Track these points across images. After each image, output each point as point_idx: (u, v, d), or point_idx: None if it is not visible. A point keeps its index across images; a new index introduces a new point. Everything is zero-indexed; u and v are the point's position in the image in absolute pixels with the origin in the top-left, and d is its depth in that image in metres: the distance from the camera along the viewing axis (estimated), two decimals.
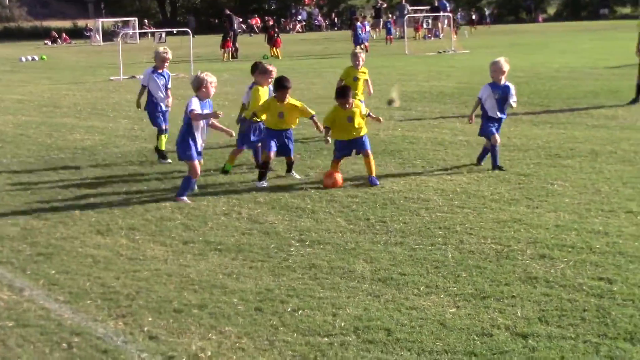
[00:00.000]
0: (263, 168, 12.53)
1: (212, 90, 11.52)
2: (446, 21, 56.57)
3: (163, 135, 14.46)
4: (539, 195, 10.93)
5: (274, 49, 45.60)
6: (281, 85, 12.46)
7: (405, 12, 56.65)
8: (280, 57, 43.49)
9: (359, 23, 47.05)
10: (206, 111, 11.31)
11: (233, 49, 45.58)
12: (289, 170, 13.00)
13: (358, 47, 37.49)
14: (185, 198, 11.26)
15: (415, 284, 7.70)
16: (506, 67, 12.71)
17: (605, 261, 8.17)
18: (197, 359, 6.19)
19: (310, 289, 7.67)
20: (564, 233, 9.20)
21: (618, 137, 15.32)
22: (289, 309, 7.13)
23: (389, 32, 53.96)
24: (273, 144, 12.41)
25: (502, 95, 12.72)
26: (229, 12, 52.11)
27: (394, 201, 10.94)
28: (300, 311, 7.07)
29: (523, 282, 7.64)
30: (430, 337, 6.43)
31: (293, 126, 12.88)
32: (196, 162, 11.33)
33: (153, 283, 7.95)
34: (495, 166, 12.73)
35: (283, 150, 12.65)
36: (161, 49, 15.03)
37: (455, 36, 49.51)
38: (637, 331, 6.37)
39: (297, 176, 12.86)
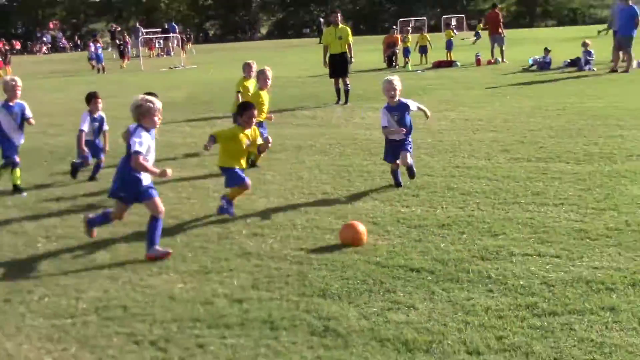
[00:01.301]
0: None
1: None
2: (175, 41, 56.61)
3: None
4: (254, 185, 11.25)
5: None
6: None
7: (140, 34, 56.49)
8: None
9: (91, 44, 45.87)
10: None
11: None
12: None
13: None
14: (159, 249, 8.12)
15: (149, 266, 7.80)
16: (398, 85, 10.70)
17: (305, 234, 8.62)
18: None
19: (56, 278, 7.59)
20: (273, 214, 9.59)
21: (317, 133, 16.04)
22: (36, 298, 7.04)
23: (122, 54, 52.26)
24: None
25: (401, 114, 10.69)
26: None
27: None
28: (46, 298, 7.01)
29: (239, 257, 7.94)
30: (161, 310, 6.60)
31: None
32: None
33: None
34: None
35: None
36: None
37: (184, 54, 49.68)
38: (328, 288, 6.84)
39: None
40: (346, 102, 20.54)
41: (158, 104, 8.11)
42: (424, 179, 10.90)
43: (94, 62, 44.16)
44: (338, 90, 20.76)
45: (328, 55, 20.70)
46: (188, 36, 65.26)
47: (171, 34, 58.73)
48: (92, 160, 12.15)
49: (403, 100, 10.85)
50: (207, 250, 8.26)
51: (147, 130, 8.00)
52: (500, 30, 32.51)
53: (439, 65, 32.74)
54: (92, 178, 12.27)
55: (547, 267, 7.12)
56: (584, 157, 11.87)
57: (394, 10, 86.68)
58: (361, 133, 15.58)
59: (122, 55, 47.93)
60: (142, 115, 7.99)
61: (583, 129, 14.39)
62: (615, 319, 5.86)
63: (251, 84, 14.53)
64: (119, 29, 67.91)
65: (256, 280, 7.23)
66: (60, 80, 37.39)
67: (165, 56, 56.49)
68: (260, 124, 12.40)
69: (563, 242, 7.81)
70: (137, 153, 7.76)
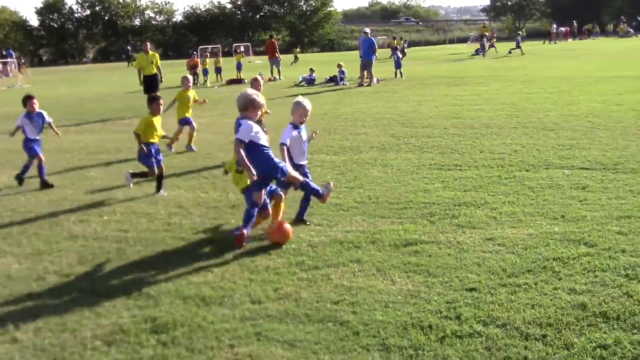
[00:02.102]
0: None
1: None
2: (13, 65, 52.80)
3: None
4: (79, 180, 10.74)
5: None
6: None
7: None
8: None
9: None
10: None
11: None
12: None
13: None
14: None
15: None
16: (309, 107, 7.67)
17: (123, 219, 8.31)
18: None
19: None
20: (97, 203, 9.18)
21: (131, 139, 15.43)
22: None
23: None
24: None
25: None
26: None
27: None
28: None
29: (67, 240, 7.54)
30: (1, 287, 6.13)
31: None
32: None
33: None
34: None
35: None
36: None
37: (21, 75, 46.41)
38: (143, 260, 6.62)
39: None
40: None
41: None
42: (219, 171, 10.81)
43: None
44: None
45: (142, 75, 20.13)
46: (23, 61, 61.05)
47: (9, 59, 54.90)
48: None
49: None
50: (39, 235, 7.77)
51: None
52: (276, 54, 32.93)
53: (231, 82, 32.64)
54: (45, 184, 10.39)
55: (312, 233, 7.28)
56: (339, 149, 12.25)
57: (195, 40, 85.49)
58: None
59: None
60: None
61: (338, 128, 14.84)
62: (360, 269, 6.10)
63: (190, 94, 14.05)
64: None
65: (82, 257, 6.89)
66: None
67: (4, 77, 52.44)
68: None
69: (324, 213, 8.01)
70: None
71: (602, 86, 20.26)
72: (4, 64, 54.89)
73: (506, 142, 11.85)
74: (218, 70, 35.42)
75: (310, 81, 29.02)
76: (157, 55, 20.58)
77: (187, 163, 11.74)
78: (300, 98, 7.59)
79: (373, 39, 27.24)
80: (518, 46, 45.23)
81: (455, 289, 5.50)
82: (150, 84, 19.62)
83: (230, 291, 5.70)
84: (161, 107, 9.86)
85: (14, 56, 58.37)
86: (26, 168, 10.71)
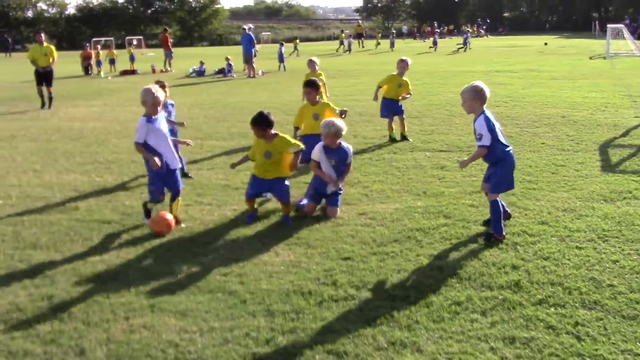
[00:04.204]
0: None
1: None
2: None
3: None
4: None
5: None
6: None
7: None
8: None
9: None
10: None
11: None
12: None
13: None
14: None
15: None
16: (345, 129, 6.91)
17: (18, 202, 7.86)
18: None
19: None
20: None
21: (28, 126, 14.63)
22: None
23: None
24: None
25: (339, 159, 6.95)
26: None
27: None
28: None
29: None
30: None
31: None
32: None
33: None
34: None
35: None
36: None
37: None
38: (38, 242, 6.29)
39: None
40: (50, 106, 17.66)
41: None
42: (114, 156, 10.44)
43: None
44: (42, 96, 17.90)
45: (35, 67, 18.31)
46: None
47: None
48: None
49: (344, 144, 7.02)
50: None
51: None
52: (169, 47, 32.02)
53: (125, 73, 31.44)
54: None
55: (203, 212, 7.19)
56: (228, 135, 12.13)
57: (89, 32, 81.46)
58: (64, 124, 14.48)
59: None
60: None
61: (227, 117, 14.69)
62: (247, 243, 6.09)
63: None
64: None
65: (46, 237, 6.44)
66: None
67: None
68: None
69: (214, 194, 7.93)
70: None
71: (458, 79, 21.18)
72: None
73: (377, 128, 12.17)
74: (112, 62, 34.03)
75: (200, 73, 28.48)
76: (52, 47, 18.40)
77: (81, 148, 11.23)
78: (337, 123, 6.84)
79: (251, 34, 27.13)
80: (392, 45, 46.78)
81: (332, 259, 5.62)
82: (44, 76, 17.81)
83: (125, 268, 5.55)
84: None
85: None
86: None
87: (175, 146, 7.12)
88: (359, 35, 56.82)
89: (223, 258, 5.71)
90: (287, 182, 6.82)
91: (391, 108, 10.92)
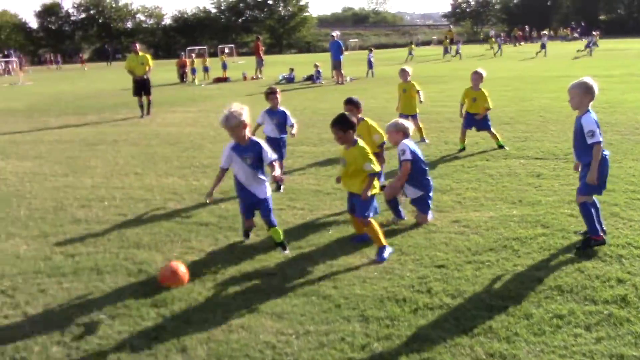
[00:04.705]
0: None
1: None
2: (15, 64, 51.82)
3: None
4: (81, 170, 10.61)
5: None
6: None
7: None
8: None
9: None
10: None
11: None
12: None
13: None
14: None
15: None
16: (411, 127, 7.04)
17: (122, 204, 8.22)
18: None
19: None
20: (97, 190, 9.07)
21: (129, 130, 15.31)
22: None
23: None
24: None
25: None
26: None
27: None
28: None
29: (71, 224, 7.43)
30: (9, 266, 6.04)
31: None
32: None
33: None
34: None
35: None
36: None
37: (22, 73, 45.61)
38: (140, 241, 6.55)
39: None
40: (149, 113, 17.92)
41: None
42: (210, 161, 10.75)
43: None
44: (142, 106, 18.00)
45: (133, 77, 18.39)
46: (24, 60, 59.98)
47: (11, 58, 53.94)
48: None
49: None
50: (45, 219, 7.65)
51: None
52: (260, 55, 32.75)
53: (217, 80, 32.40)
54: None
55: (296, 216, 7.27)
56: (318, 141, 12.24)
57: (184, 41, 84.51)
58: (162, 130, 15.07)
59: None
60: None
61: (316, 123, 14.82)
62: (339, 248, 6.11)
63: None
64: None
65: (85, 239, 6.80)
66: None
67: (6, 75, 51.52)
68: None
69: (306, 198, 8.00)
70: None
71: (551, 85, 20.46)
72: (7, 63, 53.95)
73: (468, 134, 11.90)
74: (205, 69, 35.16)
75: (290, 79, 28.93)
76: (147, 56, 18.63)
77: (178, 153, 11.64)
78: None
79: (340, 41, 27.27)
80: (499, 47, 45.55)
81: (425, 266, 5.54)
82: (141, 85, 18.07)
83: (221, 269, 5.67)
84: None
85: (15, 55, 57.42)
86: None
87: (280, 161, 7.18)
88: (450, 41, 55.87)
89: (316, 262, 5.74)
90: (369, 200, 5.77)
91: (471, 122, 10.60)
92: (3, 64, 54.13)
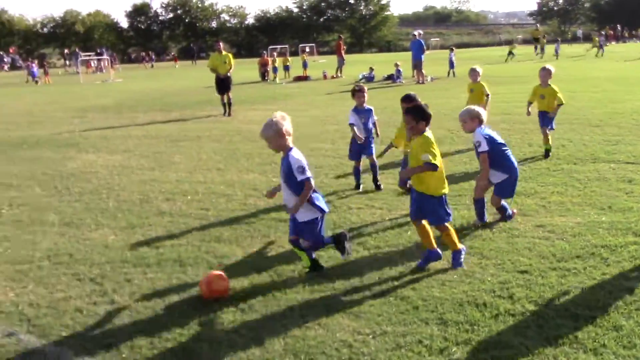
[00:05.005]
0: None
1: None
2: (106, 61, 54.11)
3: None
4: (166, 165, 10.95)
5: None
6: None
7: (79, 56, 54.22)
8: None
9: (29, 63, 44.05)
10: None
11: None
12: None
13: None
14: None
15: (88, 224, 7.44)
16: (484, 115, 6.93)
17: (204, 198, 8.42)
18: None
19: (17, 235, 7.12)
20: (181, 184, 9.33)
21: (212, 127, 15.69)
22: (1, 250, 6.58)
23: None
24: None
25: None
26: None
27: (73, 174, 10.39)
28: (9, 250, 6.58)
29: (156, 216, 7.68)
30: (98, 255, 6.31)
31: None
32: None
33: None
34: None
35: None
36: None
37: (113, 70, 47.59)
38: (221, 235, 6.69)
39: None
40: (229, 112, 18.02)
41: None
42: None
43: (29, 77, 42.98)
44: (224, 105, 18.21)
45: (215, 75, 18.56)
46: (115, 58, 62.58)
47: (103, 56, 56.51)
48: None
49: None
50: (132, 211, 7.95)
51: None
52: (342, 54, 32.86)
53: (298, 79, 32.72)
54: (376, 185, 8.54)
55: (374, 215, 7.23)
56: None
57: (265, 40, 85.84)
58: (244, 127, 15.36)
59: (45, 73, 44.25)
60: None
61: (396, 122, 14.57)
62: (419, 249, 6.01)
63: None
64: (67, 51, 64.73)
65: (169, 231, 7.01)
66: (19, 90, 35.10)
67: (99, 72, 53.91)
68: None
69: (384, 198, 7.95)
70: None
71: None
72: (99, 60, 56.48)
73: (554, 137, 11.48)
74: (286, 68, 35.58)
75: (369, 79, 28.84)
76: (230, 55, 18.82)
77: (259, 150, 11.81)
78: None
79: (422, 40, 26.87)
80: (601, 47, 43.36)
81: (507, 271, 5.38)
82: (224, 82, 18.19)
83: (299, 265, 5.70)
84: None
85: (106, 53, 60.13)
86: (356, 171, 8.58)
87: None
88: (535, 40, 54.13)
89: (394, 263, 5.68)
90: (437, 202, 5.42)
91: (546, 121, 10.04)
92: (95, 62, 56.75)
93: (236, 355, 4.17)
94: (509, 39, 75.90)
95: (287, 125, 5.33)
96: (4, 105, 24.34)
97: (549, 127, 9.99)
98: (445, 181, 5.55)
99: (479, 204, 6.72)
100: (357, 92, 8.41)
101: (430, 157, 5.31)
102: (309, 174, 5.27)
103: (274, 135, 5.29)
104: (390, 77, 28.50)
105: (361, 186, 8.49)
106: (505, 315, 4.55)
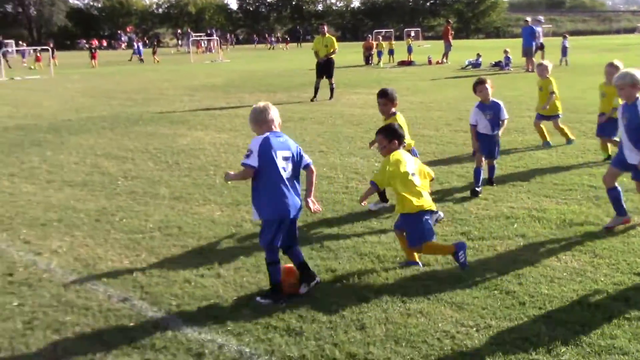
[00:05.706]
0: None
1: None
2: (216, 42, 55.73)
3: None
4: None
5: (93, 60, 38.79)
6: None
7: (190, 36, 56.17)
8: (95, 66, 38.14)
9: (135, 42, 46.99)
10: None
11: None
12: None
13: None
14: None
15: (196, 199, 7.70)
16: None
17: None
18: (56, 253, 5.93)
19: (131, 206, 7.49)
20: None
21: (315, 109, 15.81)
22: (117, 219, 6.95)
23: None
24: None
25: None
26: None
27: (183, 150, 10.80)
28: (124, 220, 6.92)
29: None
30: (205, 229, 6.53)
31: None
32: None
33: (28, 208, 7.47)
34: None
35: None
36: None
37: (221, 51, 48.99)
38: (325, 217, 6.72)
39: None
40: (331, 97, 17.54)
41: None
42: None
43: (136, 56, 45.29)
44: (317, 90, 17.73)
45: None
46: (225, 39, 64.32)
47: (213, 37, 58.20)
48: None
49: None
50: (238, 188, 8.12)
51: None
52: (449, 40, 32.16)
53: (402, 63, 32.36)
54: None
55: (479, 206, 7.04)
56: (506, 130, 11.68)
57: (370, 24, 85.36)
58: (347, 110, 15.37)
59: (153, 52, 45.50)
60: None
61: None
62: (525, 243, 5.82)
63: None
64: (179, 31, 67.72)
65: None
66: (134, 68, 36.88)
67: (208, 53, 55.69)
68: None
69: (490, 189, 7.72)
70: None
71: None
72: (209, 41, 58.31)
73: None
74: (391, 52, 35.25)
75: (476, 65, 28.03)
76: (332, 38, 18.28)
77: (361, 134, 11.78)
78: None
79: (534, 27, 25.56)
80: None
81: (622, 272, 5.07)
82: (325, 67, 17.74)
83: (400, 252, 5.63)
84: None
85: (216, 34, 61.98)
86: (477, 173, 7.57)
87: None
88: None
89: (500, 256, 5.51)
90: (415, 219, 5.10)
91: (600, 127, 8.90)
92: (206, 42, 58.58)
93: (338, 337, 4.19)
94: (631, 27, 71.45)
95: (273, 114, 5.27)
96: (121, 82, 25.67)
97: (609, 136, 8.71)
98: (422, 195, 5.12)
99: (612, 195, 6.06)
100: (478, 85, 7.54)
101: (374, 177, 5.28)
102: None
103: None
104: (498, 64, 27.57)
105: (479, 195, 7.40)
106: (620, 319, 4.29)
